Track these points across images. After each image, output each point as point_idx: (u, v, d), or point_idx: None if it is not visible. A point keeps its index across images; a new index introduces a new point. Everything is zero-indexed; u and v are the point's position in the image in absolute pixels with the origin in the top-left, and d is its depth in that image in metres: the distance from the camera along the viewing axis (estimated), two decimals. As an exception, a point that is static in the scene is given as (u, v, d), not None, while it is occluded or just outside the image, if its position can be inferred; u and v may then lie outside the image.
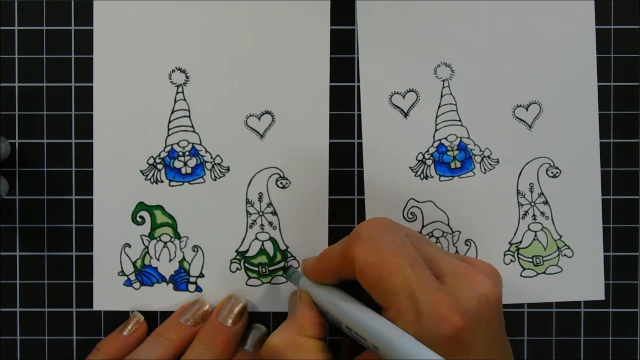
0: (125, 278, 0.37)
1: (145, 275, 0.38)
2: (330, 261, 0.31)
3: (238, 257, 0.38)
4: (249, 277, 0.38)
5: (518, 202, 0.37)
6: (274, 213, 0.37)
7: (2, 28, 0.37)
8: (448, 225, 0.38)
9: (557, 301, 0.38)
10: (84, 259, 0.37)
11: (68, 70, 0.37)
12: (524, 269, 0.38)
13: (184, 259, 0.38)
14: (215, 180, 0.37)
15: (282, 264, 0.37)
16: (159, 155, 0.37)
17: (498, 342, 0.28)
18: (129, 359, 0.35)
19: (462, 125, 0.37)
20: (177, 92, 0.37)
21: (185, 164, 0.37)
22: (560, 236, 0.38)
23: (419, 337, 0.26)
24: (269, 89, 0.37)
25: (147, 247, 0.37)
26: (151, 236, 0.37)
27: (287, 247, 0.37)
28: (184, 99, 0.37)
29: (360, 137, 0.37)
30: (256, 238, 0.37)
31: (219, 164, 0.37)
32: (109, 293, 0.37)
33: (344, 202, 0.37)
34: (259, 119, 0.37)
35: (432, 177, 0.37)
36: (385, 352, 0.25)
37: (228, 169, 0.37)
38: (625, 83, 0.37)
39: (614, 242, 0.38)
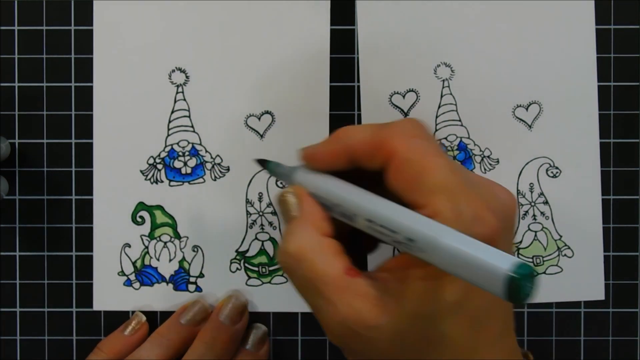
0: (125, 278, 0.37)
1: (145, 275, 0.37)
2: (350, 141, 0.28)
3: (238, 257, 0.38)
4: (249, 277, 0.38)
5: (518, 202, 0.37)
6: (274, 213, 0.37)
7: (2, 28, 0.37)
8: (448, 225, 0.37)
9: (557, 301, 0.38)
10: (84, 259, 0.37)
11: (68, 70, 0.37)
12: (524, 269, 0.37)
13: (184, 259, 0.38)
14: (215, 180, 0.37)
15: (282, 264, 0.37)
16: (159, 155, 0.37)
17: (511, 252, 0.27)
18: (131, 358, 0.35)
19: (462, 125, 0.37)
20: (177, 92, 0.37)
21: (185, 164, 0.37)
22: (561, 236, 0.37)
23: None
24: (269, 89, 0.37)
25: (147, 247, 0.37)
26: (151, 236, 0.37)
27: (287, 247, 0.37)
28: (184, 99, 0.37)
29: (360, 137, 0.37)
30: (256, 238, 0.37)
31: (219, 164, 0.37)
32: (109, 293, 0.37)
33: (344, 202, 0.37)
34: (259, 119, 0.37)
35: (432, 177, 0.37)
36: (425, 245, 0.24)
37: (228, 169, 0.37)
38: (625, 83, 0.37)
39: (614, 242, 0.38)
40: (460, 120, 0.37)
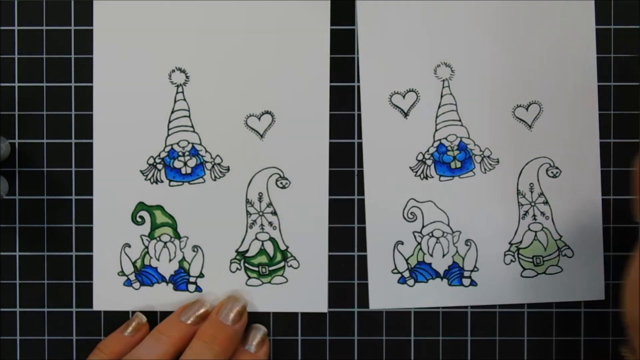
0: (125, 278, 0.37)
1: (145, 275, 0.37)
2: None
3: (238, 257, 0.38)
4: (249, 277, 0.38)
5: (518, 202, 0.37)
6: (274, 213, 0.37)
7: (2, 28, 0.37)
8: (448, 225, 0.38)
9: (557, 301, 0.38)
10: (83, 259, 0.37)
11: (68, 70, 0.37)
12: (524, 269, 0.37)
13: (183, 259, 0.38)
14: (215, 180, 0.37)
15: (282, 264, 0.37)
16: (159, 155, 0.37)
17: None
18: (131, 357, 0.35)
19: (462, 125, 0.37)
20: (177, 92, 0.37)
21: (185, 164, 0.37)
22: (561, 236, 0.38)
23: None
24: (269, 89, 0.37)
25: (147, 247, 0.37)
26: (151, 236, 0.37)
27: (287, 247, 0.37)
28: (184, 99, 0.37)
29: (360, 137, 0.37)
30: (256, 238, 0.37)
31: (219, 164, 0.37)
32: (109, 293, 0.37)
33: (344, 202, 0.37)
34: (259, 119, 0.37)
35: (432, 177, 0.37)
36: None
37: (228, 169, 0.37)
38: (625, 83, 0.37)
39: (614, 242, 0.38)
40: (460, 120, 0.37)
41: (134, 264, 0.37)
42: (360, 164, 0.37)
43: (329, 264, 0.38)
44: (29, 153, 0.37)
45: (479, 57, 0.37)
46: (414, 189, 0.37)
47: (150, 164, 0.37)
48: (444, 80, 0.37)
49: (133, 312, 0.37)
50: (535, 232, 0.37)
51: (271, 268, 0.38)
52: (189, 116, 0.37)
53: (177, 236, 0.37)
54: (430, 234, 0.38)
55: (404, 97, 0.37)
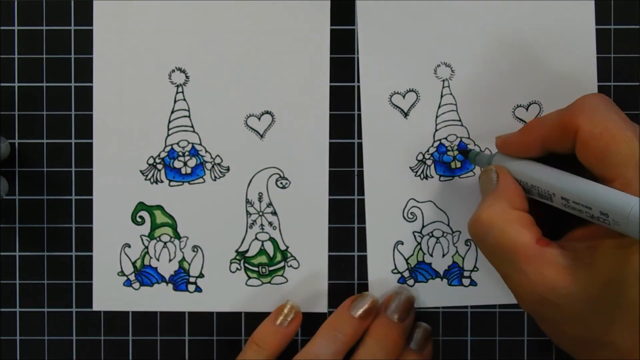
0: (125, 278, 0.37)
1: (145, 275, 0.37)
2: (539, 131, 0.30)
3: (238, 257, 0.38)
4: (249, 277, 0.38)
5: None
6: (274, 213, 0.37)
7: (2, 28, 0.37)
8: (448, 225, 0.38)
9: (557, 301, 0.37)
10: (83, 259, 0.37)
11: (68, 70, 0.37)
12: (524, 269, 0.37)
13: (183, 259, 0.38)
14: (215, 180, 0.37)
15: (282, 264, 0.37)
16: (159, 155, 0.37)
17: None
18: (307, 354, 0.34)
19: (462, 125, 0.37)
20: (177, 92, 0.37)
21: (185, 164, 0.37)
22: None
23: None
24: (269, 89, 0.37)
25: (146, 247, 0.37)
26: (151, 236, 0.37)
27: (287, 247, 0.37)
28: (184, 99, 0.37)
29: (360, 137, 0.37)
30: (256, 238, 0.37)
31: (219, 164, 0.37)
32: (109, 293, 0.37)
33: (344, 202, 0.37)
34: (259, 119, 0.37)
35: (432, 177, 0.37)
36: (618, 217, 0.25)
37: (228, 169, 0.37)
38: (625, 83, 0.37)
39: None
40: (460, 120, 0.37)
41: (133, 264, 0.37)
42: (360, 164, 0.37)
43: (329, 264, 0.38)
44: (29, 153, 0.37)
45: (479, 57, 0.37)
46: (414, 189, 0.37)
47: (150, 164, 0.37)
48: (444, 80, 0.37)
49: (133, 313, 0.37)
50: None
51: (271, 268, 0.38)
52: (189, 116, 0.37)
53: (177, 236, 0.37)
54: (430, 234, 0.38)
55: (404, 97, 0.37)
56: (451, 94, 0.37)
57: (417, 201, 0.37)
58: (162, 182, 0.37)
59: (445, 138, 0.37)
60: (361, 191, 0.37)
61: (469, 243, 0.37)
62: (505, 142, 0.32)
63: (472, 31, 0.37)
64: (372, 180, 0.37)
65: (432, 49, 0.37)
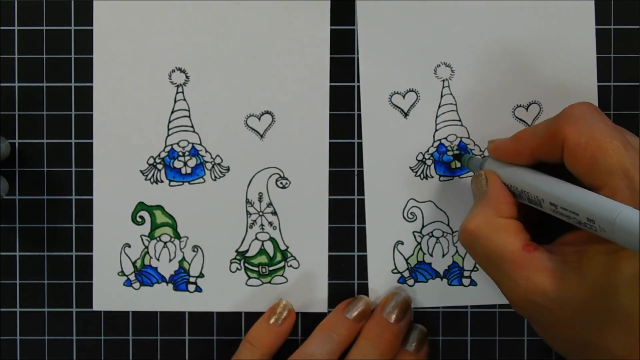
0: (125, 278, 0.37)
1: (145, 275, 0.38)
2: (530, 142, 0.30)
3: (238, 257, 0.38)
4: (249, 277, 0.38)
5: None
6: (274, 213, 0.37)
7: (2, 28, 0.37)
8: (448, 225, 0.38)
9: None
10: (83, 259, 0.37)
11: (68, 70, 0.37)
12: (524, 269, 0.37)
13: (183, 259, 0.38)
14: (215, 180, 0.37)
15: (282, 264, 0.37)
16: (159, 155, 0.37)
17: None
18: (302, 354, 0.35)
19: (462, 125, 0.37)
20: (177, 92, 0.37)
21: (185, 164, 0.37)
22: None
23: None
24: (269, 89, 0.37)
25: (147, 247, 0.37)
26: (151, 236, 0.37)
27: (287, 247, 0.37)
28: (184, 99, 0.37)
29: (360, 137, 0.37)
30: (256, 238, 0.37)
31: (219, 164, 0.37)
32: (109, 293, 0.37)
33: (344, 202, 0.37)
34: (259, 119, 0.37)
35: (432, 177, 0.37)
36: (604, 224, 0.25)
37: (228, 169, 0.37)
38: (625, 83, 0.37)
39: None
40: (460, 120, 0.37)
41: (134, 264, 0.37)
42: (360, 164, 0.37)
43: (329, 264, 0.38)
44: (29, 153, 0.37)
45: (479, 57, 0.37)
46: (414, 189, 0.37)
47: (150, 164, 0.37)
48: (444, 80, 0.37)
49: (133, 313, 0.37)
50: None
51: (271, 268, 0.38)
52: (189, 116, 0.37)
53: (177, 236, 0.37)
54: (430, 234, 0.38)
55: (404, 97, 0.37)
56: (451, 94, 0.37)
57: (417, 201, 0.37)
58: (162, 182, 0.37)
59: (445, 138, 0.37)
60: (361, 191, 0.37)
61: (469, 243, 0.37)
62: (497, 148, 0.32)
63: (472, 31, 0.37)
64: (372, 180, 0.37)
65: (432, 49, 0.37)
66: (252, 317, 0.37)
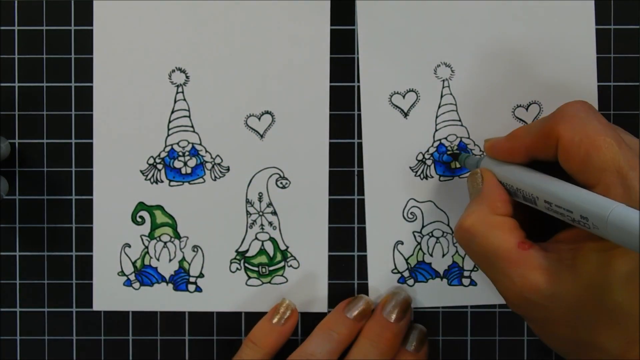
0: (125, 278, 0.37)
1: (145, 275, 0.38)
2: (525, 140, 0.30)
3: (238, 257, 0.38)
4: (249, 277, 0.38)
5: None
6: (274, 213, 0.37)
7: (2, 28, 0.37)
8: (448, 225, 0.38)
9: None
10: (83, 259, 0.37)
11: (68, 70, 0.37)
12: (524, 269, 0.37)
13: (183, 259, 0.38)
14: (215, 180, 0.37)
15: (282, 264, 0.38)
16: (159, 155, 0.37)
17: None
18: (302, 353, 0.35)
19: (462, 125, 0.37)
20: (177, 92, 0.37)
21: (185, 164, 0.37)
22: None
23: None
24: (269, 89, 0.37)
25: (147, 247, 0.37)
26: (151, 236, 0.37)
27: (287, 247, 0.37)
28: (184, 99, 0.37)
29: (360, 137, 0.37)
30: (256, 238, 0.37)
31: (219, 164, 0.37)
32: (109, 293, 0.37)
33: (344, 202, 0.37)
34: (259, 119, 0.37)
35: (432, 177, 0.37)
36: (597, 221, 0.25)
37: (228, 169, 0.37)
38: (625, 83, 0.37)
39: None
40: (460, 120, 0.37)
41: (134, 264, 0.37)
42: (360, 164, 0.37)
43: (329, 264, 0.38)
44: (29, 153, 0.37)
45: (479, 57, 0.37)
46: (414, 189, 0.37)
47: (150, 164, 0.37)
48: (444, 80, 0.37)
49: (133, 313, 0.37)
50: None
51: (271, 268, 0.38)
52: (189, 116, 0.37)
53: (177, 236, 0.37)
54: (430, 234, 0.38)
55: (404, 97, 0.37)
56: (451, 94, 0.37)
57: (417, 201, 0.37)
58: (162, 182, 0.37)
59: (445, 138, 0.37)
60: (361, 191, 0.37)
61: (469, 243, 0.37)
62: (493, 147, 0.32)
63: (472, 31, 0.37)
64: (372, 180, 0.37)
65: (432, 49, 0.37)
66: (252, 317, 0.37)
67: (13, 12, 0.37)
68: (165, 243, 0.37)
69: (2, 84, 0.37)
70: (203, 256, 0.37)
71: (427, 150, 0.37)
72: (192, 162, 0.37)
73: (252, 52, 0.37)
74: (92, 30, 0.37)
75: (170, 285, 0.38)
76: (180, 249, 0.37)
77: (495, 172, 0.32)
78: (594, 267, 0.26)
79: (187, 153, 0.37)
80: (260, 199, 0.37)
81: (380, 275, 0.38)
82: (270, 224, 0.37)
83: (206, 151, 0.37)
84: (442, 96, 0.37)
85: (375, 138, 0.37)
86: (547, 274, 0.27)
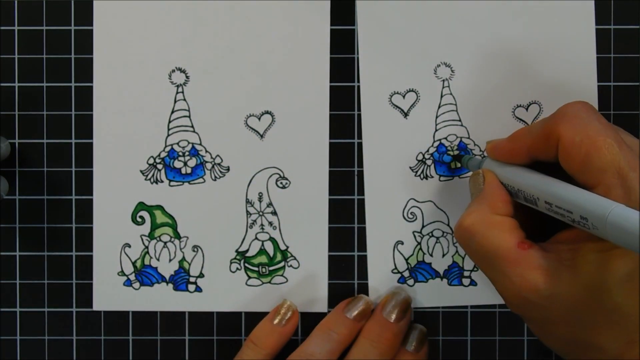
0: (125, 278, 0.37)
1: (145, 275, 0.38)
2: (526, 140, 0.30)
3: (238, 257, 0.38)
4: (249, 277, 0.38)
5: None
6: (274, 213, 0.37)
7: (2, 28, 0.37)
8: (448, 225, 0.38)
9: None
10: (83, 259, 0.37)
11: (68, 70, 0.37)
12: (524, 269, 0.37)
13: (183, 259, 0.38)
14: (215, 180, 0.37)
15: (282, 264, 0.38)
16: (159, 155, 0.37)
17: None
18: (302, 354, 0.35)
19: (462, 125, 0.37)
20: (177, 92, 0.37)
21: (185, 164, 0.37)
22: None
23: None
24: (269, 89, 0.37)
25: (147, 247, 0.37)
26: (151, 236, 0.37)
27: (287, 247, 0.37)
28: (184, 99, 0.37)
29: (360, 137, 0.37)
30: (256, 238, 0.37)
31: (219, 164, 0.37)
32: (109, 293, 0.37)
33: (344, 202, 0.37)
34: (259, 119, 0.37)
35: (432, 177, 0.37)
36: (596, 221, 0.25)
37: (228, 169, 0.37)
38: (625, 83, 0.37)
39: None
40: (460, 120, 0.37)
41: (134, 264, 0.37)
42: (360, 164, 0.37)
43: (329, 264, 0.38)
44: (29, 153, 0.37)
45: (479, 57, 0.37)
46: (413, 188, 0.37)
47: (150, 164, 0.37)
48: (444, 80, 0.37)
49: (133, 313, 0.37)
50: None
51: (271, 268, 0.38)
52: (189, 116, 0.37)
53: (177, 236, 0.37)
54: (430, 234, 0.38)
55: (404, 97, 0.37)
56: (451, 94, 0.37)
57: (417, 201, 0.37)
58: (162, 182, 0.37)
59: (445, 138, 0.37)
60: (361, 191, 0.37)
61: (469, 243, 0.37)
62: (495, 148, 0.33)
63: (472, 31, 0.37)
64: (372, 180, 0.37)
65: (432, 49, 0.37)
66: (252, 317, 0.37)
67: (13, 12, 0.37)
68: (165, 243, 0.37)
69: (2, 84, 0.37)
70: (203, 256, 0.37)
71: (427, 150, 0.37)
72: (192, 162, 0.37)
73: (252, 52, 0.37)
74: (92, 30, 0.37)
75: (170, 285, 0.38)
76: (180, 249, 0.37)
77: (497, 173, 0.32)
78: (593, 267, 0.26)
79: (187, 153, 0.37)
80: (260, 199, 0.37)
81: (380, 275, 0.38)
82: (270, 224, 0.37)
83: (206, 151, 0.37)
84: (442, 96, 0.37)
85: (375, 138, 0.37)
86: (547, 274, 0.27)
